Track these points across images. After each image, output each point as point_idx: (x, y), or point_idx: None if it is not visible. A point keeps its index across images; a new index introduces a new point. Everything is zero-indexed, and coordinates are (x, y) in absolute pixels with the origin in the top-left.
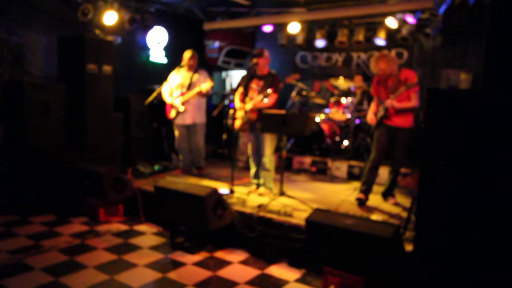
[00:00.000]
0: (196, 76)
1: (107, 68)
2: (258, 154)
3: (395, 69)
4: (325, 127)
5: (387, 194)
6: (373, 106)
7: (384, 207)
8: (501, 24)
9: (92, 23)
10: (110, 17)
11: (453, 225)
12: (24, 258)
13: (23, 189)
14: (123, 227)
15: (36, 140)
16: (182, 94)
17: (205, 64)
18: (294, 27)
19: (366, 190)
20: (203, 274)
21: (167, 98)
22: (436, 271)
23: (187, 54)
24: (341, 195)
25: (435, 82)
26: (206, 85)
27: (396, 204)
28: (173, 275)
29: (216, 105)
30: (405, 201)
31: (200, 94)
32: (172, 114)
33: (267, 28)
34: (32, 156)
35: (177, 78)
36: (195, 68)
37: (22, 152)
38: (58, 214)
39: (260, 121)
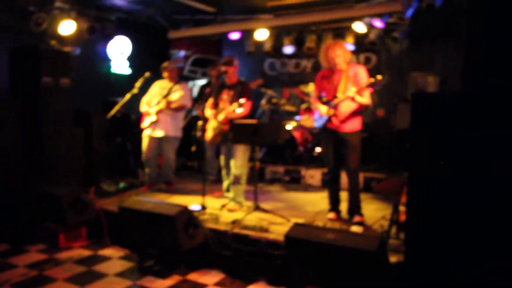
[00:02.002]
0: (176, 87)
1: (64, 81)
2: (230, 166)
3: (349, 59)
4: (297, 134)
5: (352, 212)
6: (316, 104)
7: (363, 215)
8: (480, 27)
9: (48, 34)
10: (67, 27)
11: (445, 230)
12: None
13: None
14: (86, 253)
15: None
16: (158, 102)
17: None
18: (261, 34)
19: (334, 206)
20: None
21: (142, 107)
22: (431, 279)
23: (162, 65)
24: (317, 204)
25: (403, 86)
26: (176, 94)
27: (359, 224)
28: None
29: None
30: (381, 206)
31: (169, 107)
32: (144, 123)
33: (234, 36)
34: None
35: (157, 89)
36: (176, 79)
37: None
38: (12, 242)
39: (232, 132)
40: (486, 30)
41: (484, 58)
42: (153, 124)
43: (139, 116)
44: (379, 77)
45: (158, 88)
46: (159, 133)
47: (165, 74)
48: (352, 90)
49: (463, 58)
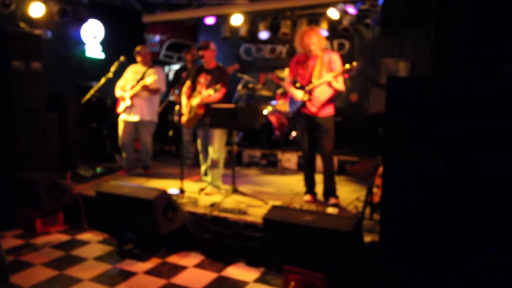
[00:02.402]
0: (149, 72)
1: (36, 65)
2: (207, 151)
3: (324, 46)
4: (273, 119)
5: (327, 194)
6: (290, 89)
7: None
8: (448, 17)
9: (16, 16)
10: (37, 9)
11: (417, 211)
12: None
13: None
14: (64, 238)
15: None
16: (132, 87)
17: None
18: (237, 19)
19: (310, 188)
20: (156, 283)
21: (117, 92)
22: (404, 260)
23: (135, 50)
24: (293, 187)
25: (376, 71)
26: (150, 78)
27: (335, 206)
28: (123, 287)
29: (160, 101)
30: (355, 188)
31: (147, 89)
32: (120, 108)
33: (209, 20)
34: None
35: (131, 73)
36: (149, 63)
37: None
38: None
39: (209, 116)
40: (456, 21)
41: (454, 47)
42: (128, 109)
43: (115, 101)
44: (354, 63)
45: (132, 72)
46: (134, 117)
47: (138, 58)
48: (330, 75)
49: (433, 46)
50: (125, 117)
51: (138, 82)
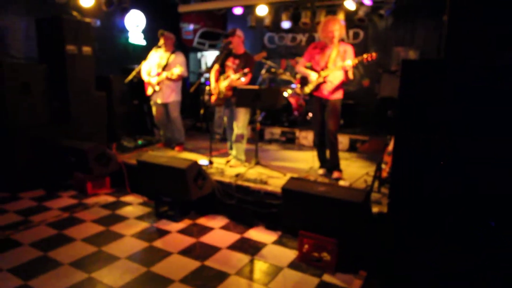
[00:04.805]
0: (172, 57)
1: (86, 49)
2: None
3: (343, 35)
4: (292, 100)
5: (331, 168)
6: (305, 71)
7: (349, 171)
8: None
9: (70, 6)
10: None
11: (423, 190)
12: (13, 234)
13: (11, 166)
14: (110, 199)
15: (19, 119)
16: (158, 74)
17: (181, 45)
18: (262, 10)
19: (323, 163)
20: (187, 241)
21: (144, 76)
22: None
23: (159, 31)
24: (309, 162)
25: (388, 58)
26: (177, 70)
27: (337, 179)
28: (159, 243)
29: (192, 83)
30: (365, 164)
31: (172, 77)
32: (149, 91)
33: (238, 11)
34: (15, 135)
35: (155, 58)
36: (172, 49)
37: (3, 132)
38: (48, 189)
39: (235, 96)
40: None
41: (467, 30)
42: (156, 93)
43: None
44: (374, 54)
45: (157, 57)
46: (162, 100)
47: (161, 40)
48: (352, 61)
49: (447, 32)
50: (155, 100)
51: (163, 69)
